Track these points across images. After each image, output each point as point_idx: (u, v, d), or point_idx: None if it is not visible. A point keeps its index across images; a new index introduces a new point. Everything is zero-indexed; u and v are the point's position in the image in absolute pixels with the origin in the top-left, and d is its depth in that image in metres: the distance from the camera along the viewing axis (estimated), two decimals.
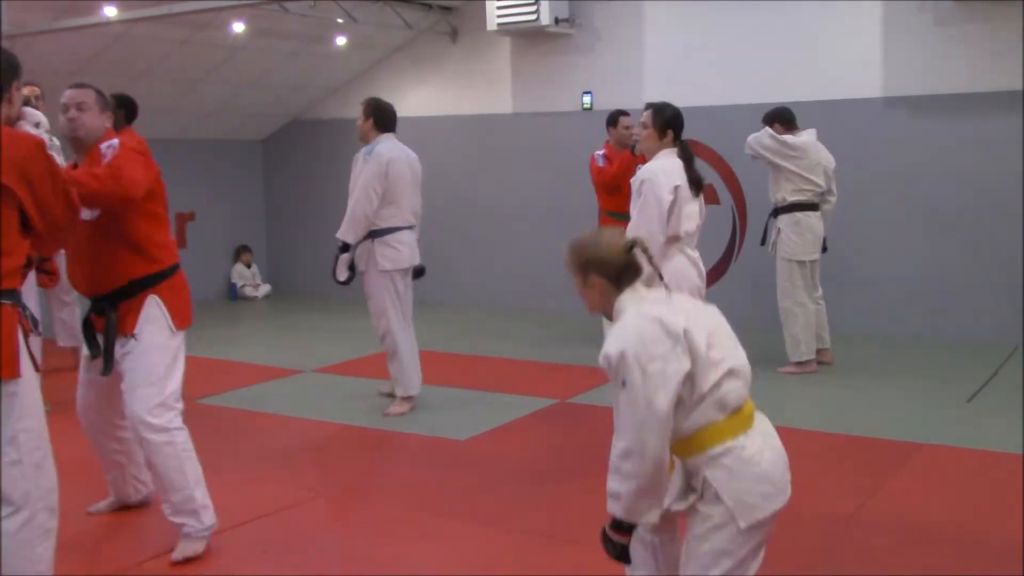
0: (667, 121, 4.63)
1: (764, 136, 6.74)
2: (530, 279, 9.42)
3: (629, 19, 8.76)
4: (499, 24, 8.80)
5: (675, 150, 4.67)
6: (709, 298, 4.64)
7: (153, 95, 8.66)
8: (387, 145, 5.85)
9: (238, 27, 8.37)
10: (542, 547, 3.97)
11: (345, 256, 5.82)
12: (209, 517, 3.89)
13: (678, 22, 8.56)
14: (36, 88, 6.09)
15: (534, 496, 4.54)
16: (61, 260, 4.13)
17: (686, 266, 4.62)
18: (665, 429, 2.53)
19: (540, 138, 9.35)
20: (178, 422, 3.86)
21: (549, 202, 9.26)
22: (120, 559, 3.90)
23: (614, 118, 7.37)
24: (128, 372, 3.80)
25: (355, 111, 6.08)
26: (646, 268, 2.75)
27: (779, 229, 6.81)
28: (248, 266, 10.93)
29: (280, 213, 11.17)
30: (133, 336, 3.78)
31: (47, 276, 5.27)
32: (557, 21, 8.69)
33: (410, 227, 5.98)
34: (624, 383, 2.55)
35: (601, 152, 7.36)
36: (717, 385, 2.58)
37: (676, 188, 4.52)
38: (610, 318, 2.75)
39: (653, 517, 2.60)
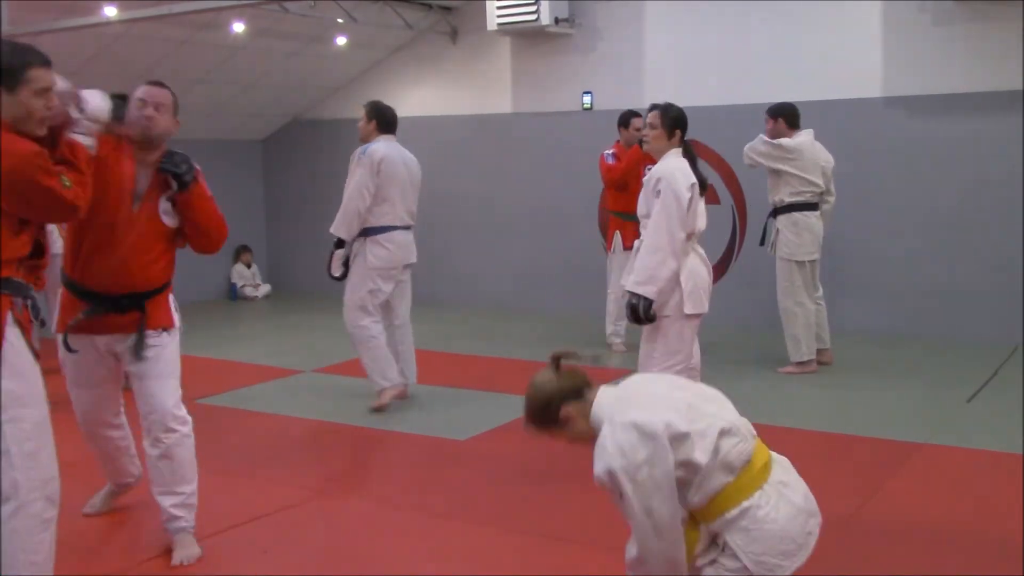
0: (674, 121, 4.63)
1: (758, 143, 6.74)
2: (530, 279, 9.42)
3: (629, 19, 8.75)
4: (499, 24, 8.80)
5: (681, 150, 4.67)
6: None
7: None
8: (381, 145, 5.90)
9: (238, 27, 8.37)
10: (542, 547, 3.97)
11: (340, 252, 5.91)
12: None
13: (678, 22, 8.56)
14: None
15: (534, 496, 4.54)
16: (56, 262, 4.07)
17: (699, 264, 4.62)
18: (670, 531, 2.53)
19: (540, 138, 9.35)
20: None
21: (549, 202, 9.26)
22: (120, 559, 3.90)
23: (626, 119, 7.37)
24: (154, 364, 3.78)
25: (355, 111, 6.12)
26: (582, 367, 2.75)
27: (778, 229, 6.81)
28: (248, 266, 10.93)
29: (280, 213, 11.18)
30: (170, 329, 3.84)
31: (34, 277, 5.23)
32: (557, 21, 8.69)
33: (406, 227, 6.00)
34: (621, 496, 2.56)
35: (611, 151, 7.37)
36: (715, 451, 2.56)
37: (692, 186, 4.53)
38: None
39: None
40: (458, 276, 9.77)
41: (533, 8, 8.60)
